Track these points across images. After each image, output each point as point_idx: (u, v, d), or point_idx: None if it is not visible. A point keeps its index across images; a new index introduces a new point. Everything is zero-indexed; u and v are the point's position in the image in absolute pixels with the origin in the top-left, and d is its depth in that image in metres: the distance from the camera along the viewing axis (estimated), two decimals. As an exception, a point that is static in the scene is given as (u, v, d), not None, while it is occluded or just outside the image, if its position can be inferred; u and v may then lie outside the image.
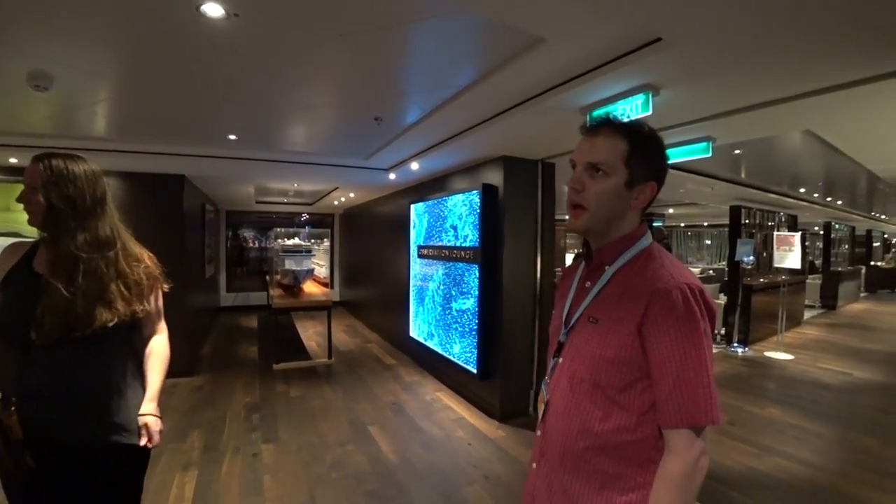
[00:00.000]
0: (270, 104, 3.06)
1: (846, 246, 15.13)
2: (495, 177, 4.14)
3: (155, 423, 1.47)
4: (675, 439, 0.93)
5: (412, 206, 5.67)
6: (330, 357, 6.14)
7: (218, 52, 2.18)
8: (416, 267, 5.64)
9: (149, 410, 1.47)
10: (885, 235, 21.28)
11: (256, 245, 10.93)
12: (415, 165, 4.61)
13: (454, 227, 4.60)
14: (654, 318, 0.94)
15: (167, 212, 5.19)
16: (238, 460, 3.34)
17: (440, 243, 4.93)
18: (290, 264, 7.17)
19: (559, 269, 9.70)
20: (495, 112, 3.00)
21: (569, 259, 12.73)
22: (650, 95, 2.41)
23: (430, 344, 5.28)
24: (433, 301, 5.16)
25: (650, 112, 2.42)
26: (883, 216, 13.24)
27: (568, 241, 14.76)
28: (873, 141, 4.16)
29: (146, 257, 1.53)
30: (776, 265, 7.51)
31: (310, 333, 7.85)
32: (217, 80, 2.60)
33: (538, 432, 1.15)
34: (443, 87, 2.74)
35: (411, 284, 5.79)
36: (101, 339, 1.35)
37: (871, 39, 1.81)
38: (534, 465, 1.15)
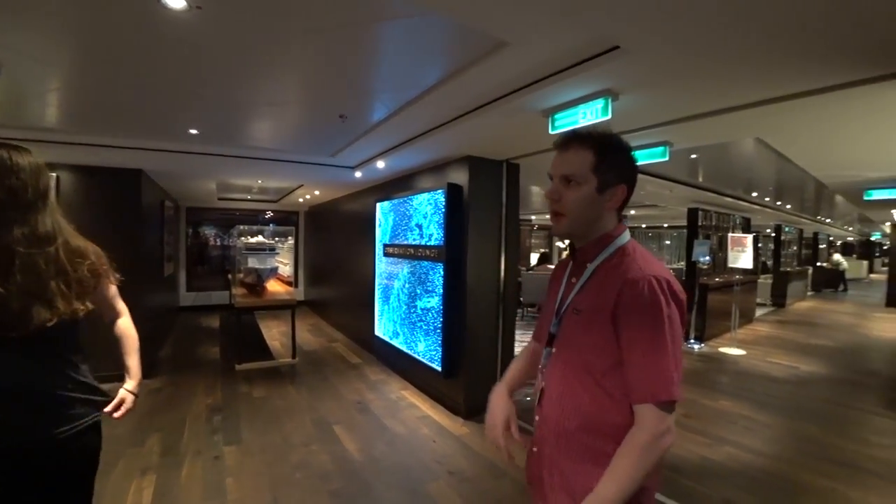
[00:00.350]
0: (234, 99, 3.00)
1: (795, 247, 15.89)
2: (460, 176, 4.17)
3: (131, 402, 1.56)
4: (641, 414, 1.02)
5: (378, 205, 5.65)
6: (294, 357, 6.06)
7: (180, 44, 2.13)
8: (382, 265, 5.62)
9: (130, 388, 1.59)
10: (830, 238, 22.49)
11: (218, 243, 10.65)
12: (381, 164, 4.60)
13: (419, 226, 4.62)
14: (624, 306, 1.05)
15: (123, 208, 5.01)
16: (199, 463, 3.26)
17: (406, 242, 4.93)
18: (253, 263, 7.04)
19: (524, 267, 9.89)
20: (460, 112, 3.03)
21: (534, 258, 12.94)
22: (610, 100, 2.49)
23: (395, 342, 5.28)
24: (398, 300, 5.16)
25: (609, 116, 2.50)
26: (828, 220, 14.00)
27: (533, 241, 15.02)
28: (817, 149, 4.39)
29: (90, 252, 1.47)
30: (730, 265, 7.84)
31: (273, 333, 7.71)
32: (178, 73, 2.54)
33: (536, 417, 1.26)
34: (408, 87, 2.74)
35: (377, 283, 5.77)
36: (41, 339, 1.30)
37: (813, 55, 1.93)
38: (534, 450, 1.25)
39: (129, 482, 2.97)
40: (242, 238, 8.07)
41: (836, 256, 17.57)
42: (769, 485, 3.15)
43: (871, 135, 3.65)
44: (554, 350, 1.22)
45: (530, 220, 13.30)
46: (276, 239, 9.18)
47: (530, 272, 9.18)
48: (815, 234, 18.38)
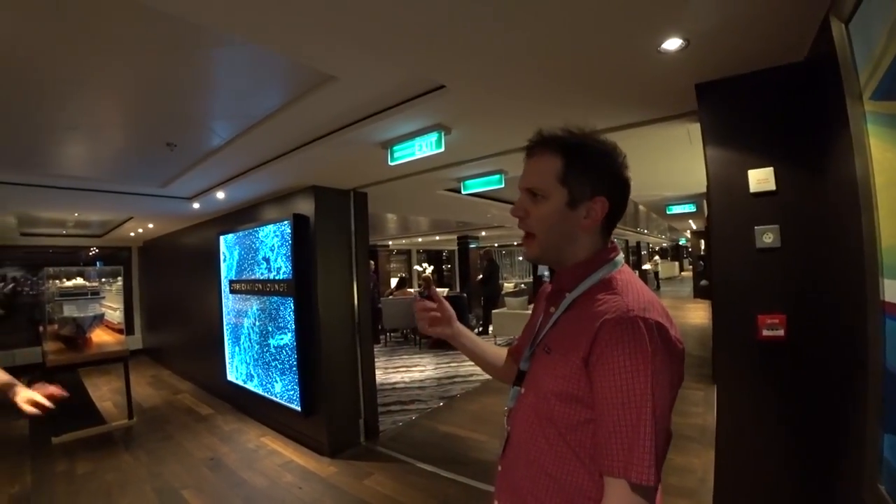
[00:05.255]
0: (26, 120, 2.56)
1: (624, 255, 18.32)
2: (307, 206, 4.06)
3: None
4: (609, 489, 0.81)
5: (221, 238, 5.23)
6: (131, 417, 5.25)
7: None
8: (229, 303, 5.20)
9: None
10: (650, 245, 26.36)
11: (28, 289, 8.90)
12: (221, 194, 4.29)
13: (267, 259, 4.38)
14: (600, 353, 0.83)
15: None
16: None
17: (253, 277, 4.63)
18: (70, 310, 6.01)
19: (390, 293, 9.89)
20: (300, 143, 2.98)
21: (393, 282, 13.06)
22: (443, 134, 2.63)
23: (249, 386, 4.89)
24: (249, 339, 4.81)
25: (443, 149, 2.65)
26: (645, 231, 16.39)
27: (392, 265, 15.12)
28: (633, 176, 5.17)
29: None
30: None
31: (104, 392, 6.61)
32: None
33: (499, 467, 1.06)
34: (241, 116, 2.63)
35: (225, 323, 5.31)
36: None
37: (611, 102, 2.32)
38: (495, 503, 1.07)
39: None
40: (56, 281, 6.88)
41: (655, 259, 20.64)
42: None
43: (665, 164, 4.46)
44: (523, 391, 1.01)
45: (388, 245, 13.53)
46: (103, 280, 7.99)
47: (389, 297, 9.21)
48: (638, 242, 21.38)
